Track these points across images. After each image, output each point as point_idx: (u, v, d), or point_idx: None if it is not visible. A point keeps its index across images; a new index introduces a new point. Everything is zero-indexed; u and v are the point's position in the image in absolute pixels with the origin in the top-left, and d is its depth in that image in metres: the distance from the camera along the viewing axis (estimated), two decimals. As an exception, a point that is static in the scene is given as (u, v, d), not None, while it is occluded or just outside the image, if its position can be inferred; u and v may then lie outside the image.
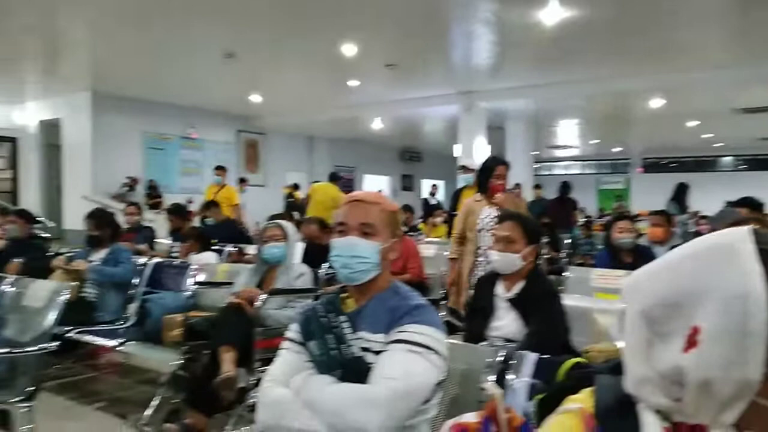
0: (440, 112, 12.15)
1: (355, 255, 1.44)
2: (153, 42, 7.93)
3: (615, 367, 0.77)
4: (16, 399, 2.46)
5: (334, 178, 9.29)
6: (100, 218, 4.14)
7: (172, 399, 2.87)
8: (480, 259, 3.46)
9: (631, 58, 8.30)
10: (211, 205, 6.76)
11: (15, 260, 4.39)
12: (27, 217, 4.84)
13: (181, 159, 12.38)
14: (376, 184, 16.99)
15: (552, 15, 6.41)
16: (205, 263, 4.36)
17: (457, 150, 11.19)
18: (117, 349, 3.49)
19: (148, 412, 2.92)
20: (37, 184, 11.99)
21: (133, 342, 3.50)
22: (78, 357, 4.32)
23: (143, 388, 3.99)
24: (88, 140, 10.89)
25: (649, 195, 14.53)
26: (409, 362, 1.32)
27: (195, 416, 2.59)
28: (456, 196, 5.65)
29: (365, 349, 1.38)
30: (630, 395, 0.73)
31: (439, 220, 6.53)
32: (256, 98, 11.38)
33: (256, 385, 2.77)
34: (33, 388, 2.53)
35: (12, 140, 12.06)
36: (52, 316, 2.64)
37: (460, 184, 7.30)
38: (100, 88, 10.74)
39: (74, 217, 10.69)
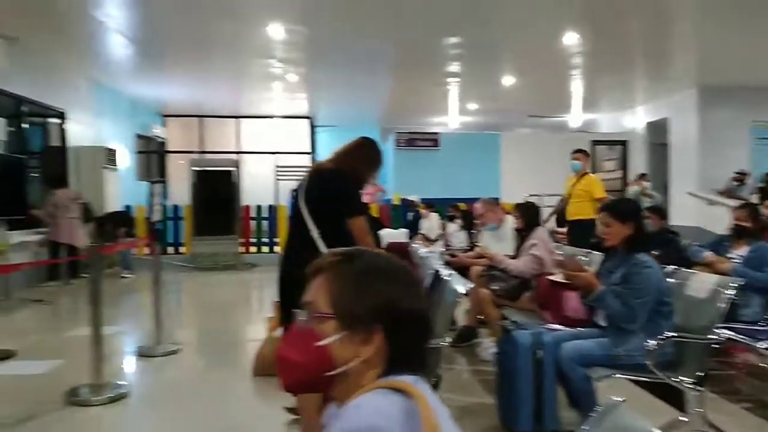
0: None
1: None
2: (758, 21, 7.22)
3: None
4: (688, 381, 2.67)
5: None
6: (751, 209, 4.09)
7: None
8: None
9: None
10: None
11: (652, 252, 4.76)
12: (659, 213, 5.25)
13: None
14: None
15: None
16: None
17: None
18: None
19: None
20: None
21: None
22: (713, 352, 4.35)
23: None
24: (694, 137, 10.91)
25: None
26: None
27: None
28: None
29: None
30: None
31: None
32: None
33: None
34: (702, 374, 2.69)
35: (623, 143, 13.33)
36: (716, 309, 2.74)
37: None
38: (705, 83, 10.60)
39: (680, 213, 10.93)
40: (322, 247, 2.54)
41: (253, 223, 10.97)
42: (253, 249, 10.89)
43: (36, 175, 8.70)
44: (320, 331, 0.97)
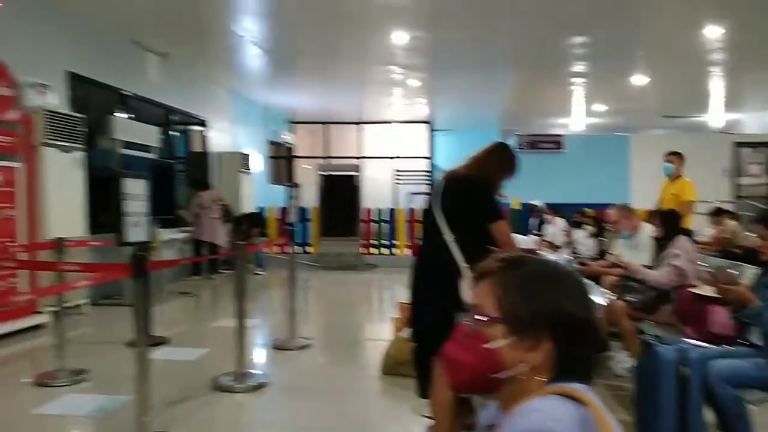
0: None
1: None
2: None
3: None
4: None
5: None
6: None
7: None
8: None
9: None
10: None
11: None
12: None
13: None
14: None
15: None
16: None
17: None
18: None
19: None
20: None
21: None
22: None
23: None
24: None
25: None
26: None
27: None
28: None
29: None
30: None
31: None
32: None
33: None
34: None
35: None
36: None
37: None
38: None
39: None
40: (456, 252, 2.57)
41: (373, 226, 11.28)
42: (373, 250, 11.19)
43: (182, 178, 9.55)
44: (487, 334, 0.99)
